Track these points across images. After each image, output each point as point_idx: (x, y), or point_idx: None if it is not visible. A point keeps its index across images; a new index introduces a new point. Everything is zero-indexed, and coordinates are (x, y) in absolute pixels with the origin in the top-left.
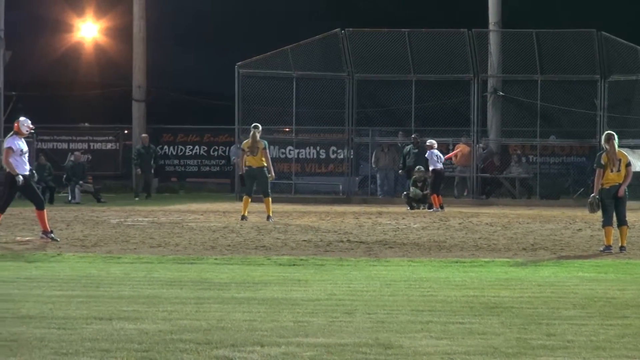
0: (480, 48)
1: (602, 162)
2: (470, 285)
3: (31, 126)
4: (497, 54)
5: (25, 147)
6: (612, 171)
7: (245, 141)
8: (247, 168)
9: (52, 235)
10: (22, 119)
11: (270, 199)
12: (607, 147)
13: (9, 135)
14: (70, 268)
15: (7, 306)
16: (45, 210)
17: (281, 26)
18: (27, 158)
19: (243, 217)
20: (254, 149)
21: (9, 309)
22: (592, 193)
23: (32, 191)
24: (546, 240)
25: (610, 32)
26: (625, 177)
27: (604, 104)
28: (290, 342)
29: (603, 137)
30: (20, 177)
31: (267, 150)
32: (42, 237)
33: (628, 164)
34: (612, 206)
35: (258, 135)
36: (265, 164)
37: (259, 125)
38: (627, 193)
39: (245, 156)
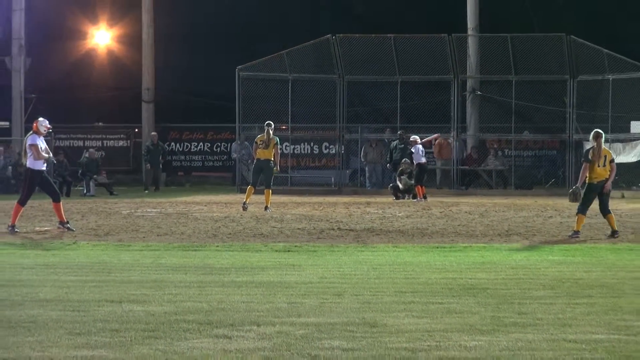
0: (460, 51)
1: (590, 157)
2: (449, 268)
3: (48, 126)
4: (475, 56)
5: (44, 145)
6: (599, 166)
7: (259, 135)
8: (256, 160)
9: (68, 225)
10: (40, 119)
11: (270, 191)
12: (594, 144)
13: (29, 134)
14: (85, 255)
15: (26, 291)
16: (61, 202)
17: (278, 33)
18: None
19: (244, 204)
20: (267, 143)
21: (28, 293)
22: (575, 184)
23: (49, 185)
24: (519, 227)
25: (578, 36)
26: (611, 172)
27: (573, 102)
28: (284, 322)
29: (592, 134)
30: (50, 154)
31: (279, 146)
32: (59, 227)
33: (612, 161)
34: (593, 199)
35: (272, 132)
36: (273, 158)
37: (272, 122)
38: (611, 187)
39: (257, 149)
